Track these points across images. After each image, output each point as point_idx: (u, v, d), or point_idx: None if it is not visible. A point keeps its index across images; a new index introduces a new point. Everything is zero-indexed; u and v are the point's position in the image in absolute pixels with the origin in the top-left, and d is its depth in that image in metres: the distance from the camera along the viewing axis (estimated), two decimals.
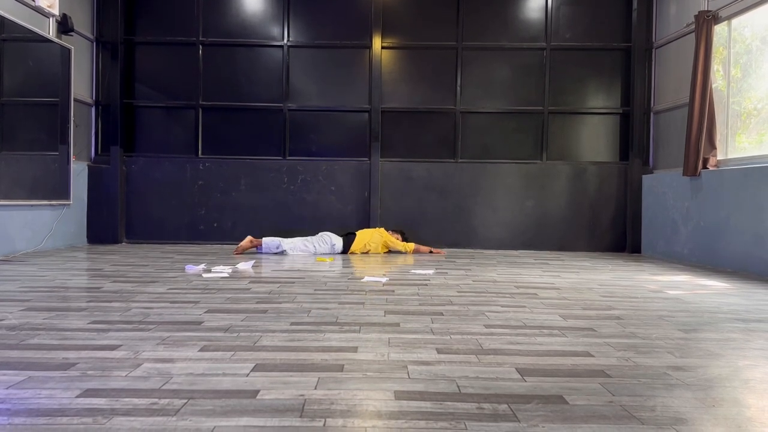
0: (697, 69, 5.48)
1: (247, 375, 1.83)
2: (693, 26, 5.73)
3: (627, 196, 6.86)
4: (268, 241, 5.87)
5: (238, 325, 2.54)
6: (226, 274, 4.17)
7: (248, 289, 3.56)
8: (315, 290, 3.57)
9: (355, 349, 2.16)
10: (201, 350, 2.11)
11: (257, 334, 2.38)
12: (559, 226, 6.92)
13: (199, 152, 7.00)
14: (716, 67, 5.65)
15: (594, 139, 7.04)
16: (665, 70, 6.60)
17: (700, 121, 5.47)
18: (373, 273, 4.43)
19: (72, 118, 6.24)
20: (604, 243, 6.91)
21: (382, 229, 6.33)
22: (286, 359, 2.02)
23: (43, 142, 5.98)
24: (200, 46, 6.98)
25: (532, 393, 1.71)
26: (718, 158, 5.49)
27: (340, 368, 1.92)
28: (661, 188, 6.31)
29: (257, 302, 3.10)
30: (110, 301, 3.05)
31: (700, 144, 5.47)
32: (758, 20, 5.21)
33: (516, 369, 1.95)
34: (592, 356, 2.13)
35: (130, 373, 1.84)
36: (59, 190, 6.10)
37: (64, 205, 6.21)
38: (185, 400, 1.60)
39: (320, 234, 6.11)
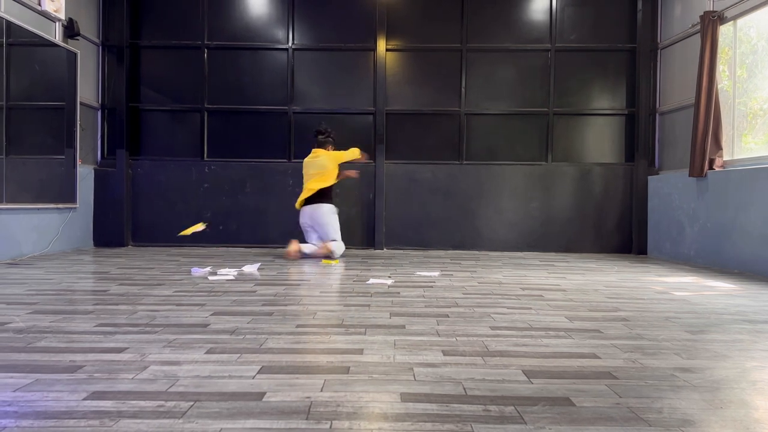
0: (703, 69, 5.46)
1: (254, 377, 1.84)
2: (698, 27, 5.71)
3: (633, 197, 6.84)
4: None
5: (244, 327, 2.54)
6: (231, 277, 4.18)
7: (254, 291, 3.57)
8: (320, 293, 3.57)
9: (360, 351, 2.16)
10: (207, 353, 2.12)
11: (263, 336, 2.38)
12: (565, 227, 6.91)
13: (205, 155, 7.02)
14: (722, 67, 5.63)
15: (599, 140, 7.02)
16: (670, 71, 6.58)
17: (705, 121, 5.45)
18: (378, 275, 4.43)
19: (78, 122, 6.28)
20: (610, 244, 6.89)
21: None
22: (292, 361, 2.02)
23: (50, 146, 6.01)
24: (205, 50, 7.01)
25: (539, 395, 1.71)
26: (724, 159, 5.47)
27: (346, 370, 1.92)
28: (667, 189, 6.29)
29: (263, 305, 3.11)
30: (117, 304, 3.06)
31: (706, 145, 5.45)
32: (764, 20, 5.19)
33: (522, 371, 1.94)
34: (599, 358, 2.12)
35: (136, 375, 1.84)
36: (66, 193, 6.13)
37: (71, 208, 6.24)
38: (192, 403, 1.61)
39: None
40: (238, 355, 2.09)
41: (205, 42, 7.00)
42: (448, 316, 2.84)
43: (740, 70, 5.49)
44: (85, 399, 1.62)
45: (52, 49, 5.91)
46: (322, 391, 1.71)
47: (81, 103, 6.39)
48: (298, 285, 3.87)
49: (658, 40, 6.77)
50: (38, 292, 3.45)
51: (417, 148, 7.02)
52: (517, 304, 3.25)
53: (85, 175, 6.58)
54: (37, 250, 5.68)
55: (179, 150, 7.05)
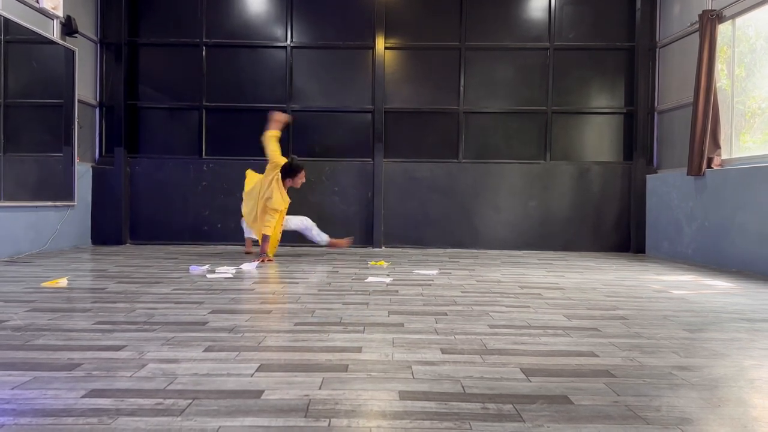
0: (701, 68, 5.47)
1: (252, 375, 1.84)
2: (697, 25, 5.71)
3: (631, 195, 6.84)
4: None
5: (242, 325, 2.54)
6: (230, 275, 4.18)
7: (252, 289, 3.57)
8: (319, 291, 3.57)
9: (359, 350, 2.16)
10: (205, 350, 2.12)
11: (261, 334, 2.38)
12: (563, 226, 6.91)
13: (203, 153, 7.02)
14: (720, 66, 5.63)
15: (598, 138, 7.03)
16: (669, 70, 6.59)
17: (704, 120, 5.46)
18: (377, 273, 4.43)
19: (76, 120, 6.26)
20: (608, 243, 6.90)
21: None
22: (291, 359, 2.02)
23: (48, 144, 6.00)
24: (204, 48, 6.99)
25: (537, 393, 1.71)
26: (722, 158, 5.48)
27: (345, 368, 1.92)
28: (665, 188, 6.30)
29: (261, 303, 3.10)
30: (115, 302, 3.06)
31: (704, 143, 5.45)
32: (762, 19, 5.19)
33: (520, 369, 1.95)
34: (597, 356, 2.12)
35: (135, 373, 1.84)
36: (63, 191, 6.11)
37: (69, 206, 6.23)
38: (190, 401, 1.60)
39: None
40: (237, 353, 2.09)
41: (204, 39, 6.98)
42: (447, 315, 2.84)
43: (739, 69, 5.49)
44: (83, 397, 1.62)
45: (50, 47, 5.90)
46: (320, 389, 1.71)
47: (79, 101, 6.38)
48: (297, 283, 3.87)
49: (657, 39, 6.77)
50: (36, 290, 3.44)
51: (415, 147, 7.02)
52: (516, 302, 3.25)
53: (83, 173, 6.57)
54: (35, 248, 5.67)
55: (177, 148, 7.04)
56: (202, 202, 6.94)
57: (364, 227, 6.92)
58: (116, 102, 6.85)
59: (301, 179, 5.47)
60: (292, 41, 7.01)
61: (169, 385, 1.73)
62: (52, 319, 2.60)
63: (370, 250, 6.65)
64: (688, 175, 5.68)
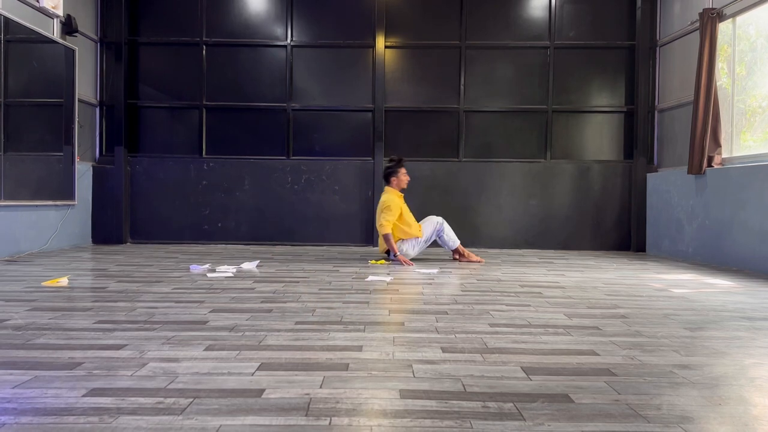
0: (702, 67, 5.46)
1: (253, 374, 1.84)
2: (697, 24, 5.71)
3: (631, 194, 6.84)
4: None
5: (243, 324, 2.54)
6: (230, 274, 4.18)
7: (253, 288, 3.57)
8: (319, 290, 3.57)
9: (360, 348, 2.16)
10: (206, 349, 2.12)
11: (262, 333, 2.38)
12: (564, 224, 6.91)
13: (203, 152, 7.01)
14: (721, 65, 5.63)
15: (598, 137, 7.02)
16: (669, 68, 6.58)
17: (704, 119, 5.45)
18: (377, 272, 4.43)
19: (76, 119, 6.26)
20: (609, 242, 6.90)
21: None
22: (291, 358, 2.02)
23: (48, 143, 6.00)
24: (204, 47, 6.99)
25: (538, 392, 1.71)
26: (723, 156, 5.47)
27: (345, 367, 1.92)
28: (666, 187, 6.30)
29: (262, 302, 3.10)
30: (115, 301, 3.06)
31: (704, 142, 5.45)
32: (763, 18, 5.18)
33: (521, 368, 1.95)
34: (598, 355, 2.12)
35: (135, 372, 1.84)
36: (64, 190, 6.12)
37: (69, 205, 6.23)
38: (191, 399, 1.60)
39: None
40: (237, 352, 2.09)
41: (204, 38, 6.98)
42: (447, 313, 2.84)
43: (739, 68, 5.49)
44: (84, 396, 1.62)
45: (51, 46, 5.89)
46: (321, 387, 1.71)
47: (79, 100, 6.38)
48: (297, 282, 3.87)
49: (658, 38, 6.77)
50: (37, 289, 3.44)
51: (416, 146, 7.02)
52: (516, 301, 3.25)
53: (83, 172, 6.57)
54: (36, 247, 5.67)
55: (178, 147, 7.04)
56: (202, 201, 6.94)
57: (364, 226, 6.92)
58: (116, 101, 6.85)
59: (403, 175, 5.30)
60: (292, 40, 7.00)
61: (169, 384, 1.73)
62: (53, 318, 2.61)
63: (371, 249, 6.65)
64: (688, 173, 5.68)
